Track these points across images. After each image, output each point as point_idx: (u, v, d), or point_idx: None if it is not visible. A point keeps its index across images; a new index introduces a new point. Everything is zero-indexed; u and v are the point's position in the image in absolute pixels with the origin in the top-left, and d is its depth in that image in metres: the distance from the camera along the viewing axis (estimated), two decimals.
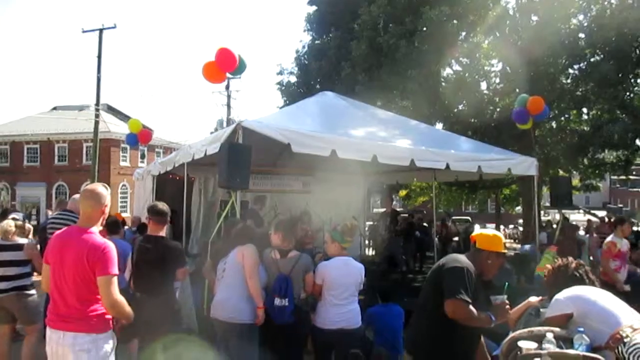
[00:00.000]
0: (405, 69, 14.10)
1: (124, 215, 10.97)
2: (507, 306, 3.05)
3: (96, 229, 3.20)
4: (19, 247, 5.30)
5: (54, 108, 42.52)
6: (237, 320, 4.26)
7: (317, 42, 20.97)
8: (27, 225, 5.80)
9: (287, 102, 19.59)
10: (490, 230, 3.40)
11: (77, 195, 7.13)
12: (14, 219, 5.60)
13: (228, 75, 6.71)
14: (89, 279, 3.03)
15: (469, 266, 3.01)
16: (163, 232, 4.47)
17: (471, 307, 2.85)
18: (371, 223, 15.20)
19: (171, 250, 4.40)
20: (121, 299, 3.10)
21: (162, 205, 4.53)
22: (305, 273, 4.44)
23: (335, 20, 19.12)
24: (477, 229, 3.64)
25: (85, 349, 3.01)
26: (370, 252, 14.97)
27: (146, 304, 4.16)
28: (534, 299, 3.41)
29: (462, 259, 3.10)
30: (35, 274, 5.48)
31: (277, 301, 4.20)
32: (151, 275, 4.24)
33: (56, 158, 37.60)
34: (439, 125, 15.63)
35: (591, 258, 12.56)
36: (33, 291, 5.41)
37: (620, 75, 13.41)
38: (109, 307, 3.05)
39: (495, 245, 3.16)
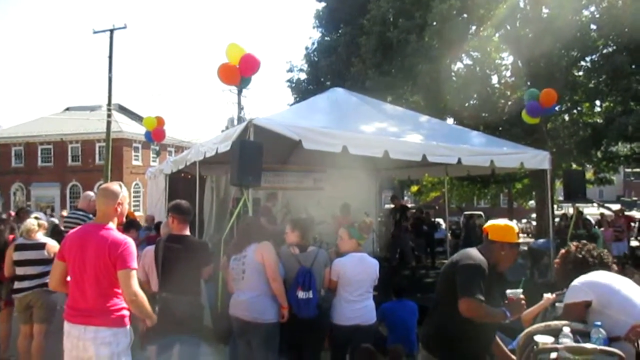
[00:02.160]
0: (415, 63, 14.03)
1: (137, 214, 11.05)
2: (523, 302, 2.99)
3: (113, 225, 3.30)
4: (41, 246, 5.35)
5: (67, 109, 42.87)
6: (261, 320, 4.22)
7: (326, 38, 20.98)
8: (43, 222, 5.84)
9: (298, 99, 19.63)
10: (502, 220, 3.28)
11: (89, 193, 7.30)
12: (36, 218, 5.64)
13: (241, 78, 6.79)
14: (110, 274, 3.15)
15: (481, 262, 2.97)
16: (187, 231, 4.45)
17: (484, 305, 2.82)
18: (380, 220, 15.18)
19: (199, 248, 4.42)
20: (141, 292, 3.21)
21: (185, 204, 4.52)
22: (325, 267, 4.46)
23: (345, 16, 19.10)
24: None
25: (106, 342, 3.12)
26: (380, 248, 14.96)
27: (175, 304, 4.18)
28: (547, 297, 3.38)
29: (474, 254, 3.04)
30: None
31: (301, 294, 4.16)
32: (180, 274, 4.21)
33: (69, 158, 37.93)
34: (450, 120, 15.55)
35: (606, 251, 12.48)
36: None
37: (633, 66, 13.26)
38: (129, 299, 3.15)
39: (508, 236, 3.08)
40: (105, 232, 3.21)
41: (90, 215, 6.56)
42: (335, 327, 4.32)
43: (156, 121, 11.41)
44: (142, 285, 5.02)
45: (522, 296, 2.97)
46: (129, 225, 6.60)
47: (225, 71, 6.61)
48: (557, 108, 13.84)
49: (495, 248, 3.06)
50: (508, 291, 2.98)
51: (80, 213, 6.59)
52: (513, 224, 3.18)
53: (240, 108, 29.34)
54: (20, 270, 5.30)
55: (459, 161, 7.54)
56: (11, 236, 5.96)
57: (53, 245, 5.45)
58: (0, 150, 39.61)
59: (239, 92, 29.63)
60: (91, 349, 3.11)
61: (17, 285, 5.33)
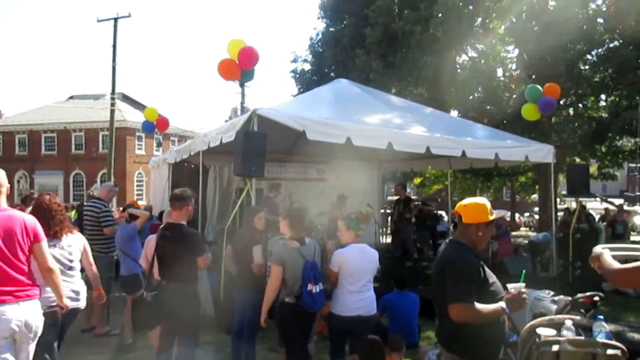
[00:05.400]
0: (420, 55, 13.97)
1: (140, 203, 11.08)
2: (525, 296, 2.82)
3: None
4: None
5: (71, 97, 42.89)
6: None
7: (331, 29, 20.85)
8: None
9: (302, 90, 19.56)
10: (472, 199, 3.05)
11: (109, 183, 7.63)
12: None
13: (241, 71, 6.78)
14: (28, 249, 3.45)
15: (459, 260, 2.83)
16: (184, 219, 4.39)
17: (474, 306, 2.69)
18: (382, 211, 15.18)
19: (189, 237, 4.36)
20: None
21: (180, 190, 4.48)
22: (319, 257, 4.46)
23: (350, 7, 18.98)
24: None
25: (40, 313, 3.49)
26: (384, 239, 14.98)
27: (170, 291, 4.20)
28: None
29: (452, 252, 2.92)
30: None
31: (315, 288, 4.13)
32: (173, 262, 4.23)
33: (73, 147, 37.98)
34: (454, 113, 15.50)
35: None
36: None
37: (639, 60, 13.16)
38: (48, 269, 3.54)
39: (482, 216, 2.91)
40: (9, 211, 3.46)
41: (107, 204, 6.66)
42: (336, 317, 4.31)
43: (157, 112, 11.37)
44: (145, 272, 5.06)
45: (523, 290, 2.82)
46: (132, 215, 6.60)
47: (225, 67, 6.57)
48: (562, 102, 13.77)
49: (472, 231, 2.91)
50: (509, 285, 2.86)
51: (98, 201, 6.65)
52: (485, 200, 3.01)
53: (244, 98, 29.35)
54: None
55: (463, 154, 7.53)
56: None
57: None
58: (4, 139, 39.72)
59: (242, 83, 29.66)
60: (30, 321, 3.36)
61: None
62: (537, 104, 8.89)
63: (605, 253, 2.53)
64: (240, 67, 6.64)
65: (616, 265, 2.45)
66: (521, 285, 2.84)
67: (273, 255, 4.32)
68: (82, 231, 7.27)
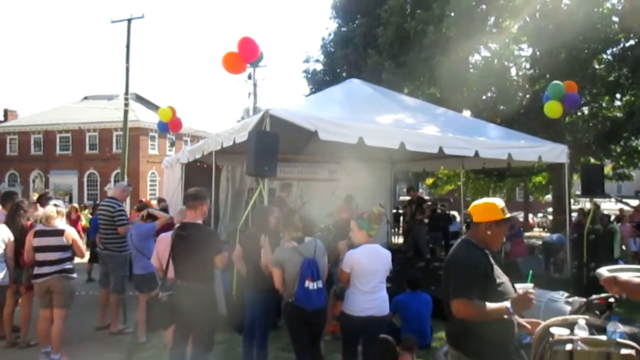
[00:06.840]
0: (432, 55, 13.91)
1: (153, 202, 11.15)
2: (532, 296, 2.75)
3: None
4: (60, 233, 5.45)
5: (85, 98, 43.33)
6: None
7: (343, 29, 20.86)
8: (62, 210, 5.95)
9: (314, 90, 19.59)
10: (484, 199, 3.08)
11: (122, 183, 7.84)
12: (55, 205, 5.75)
13: (247, 65, 6.72)
14: None
15: (467, 257, 2.85)
16: (199, 218, 4.36)
17: (475, 302, 2.69)
18: (394, 211, 15.12)
19: (206, 235, 4.35)
20: None
21: (193, 189, 4.48)
22: (323, 256, 4.47)
23: (362, 6, 18.99)
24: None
25: None
26: (396, 239, 14.95)
27: (187, 291, 4.18)
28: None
29: (459, 250, 2.94)
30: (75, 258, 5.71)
31: (312, 285, 4.13)
32: (190, 262, 4.22)
33: (87, 147, 38.37)
34: (467, 113, 15.40)
35: (623, 247, 12.31)
36: (74, 275, 5.58)
37: None
38: None
39: (491, 215, 2.91)
40: None
41: (121, 203, 6.78)
42: (349, 317, 4.30)
43: (171, 111, 11.41)
44: (158, 271, 5.09)
45: (531, 290, 2.76)
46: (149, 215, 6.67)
47: (228, 61, 6.50)
48: None
49: (481, 229, 2.93)
50: (517, 285, 2.86)
51: (112, 200, 6.75)
52: (497, 200, 3.01)
53: (256, 98, 29.43)
54: (39, 256, 5.40)
55: (476, 154, 7.49)
56: (28, 222, 6.09)
57: (71, 232, 5.56)
58: (20, 139, 40.25)
59: (254, 84, 29.73)
60: None
61: (36, 270, 5.43)
62: (562, 100, 8.75)
63: (618, 274, 2.51)
64: (243, 59, 6.55)
65: (638, 279, 2.43)
66: (529, 285, 2.83)
67: (272, 258, 4.35)
68: (97, 230, 7.42)
